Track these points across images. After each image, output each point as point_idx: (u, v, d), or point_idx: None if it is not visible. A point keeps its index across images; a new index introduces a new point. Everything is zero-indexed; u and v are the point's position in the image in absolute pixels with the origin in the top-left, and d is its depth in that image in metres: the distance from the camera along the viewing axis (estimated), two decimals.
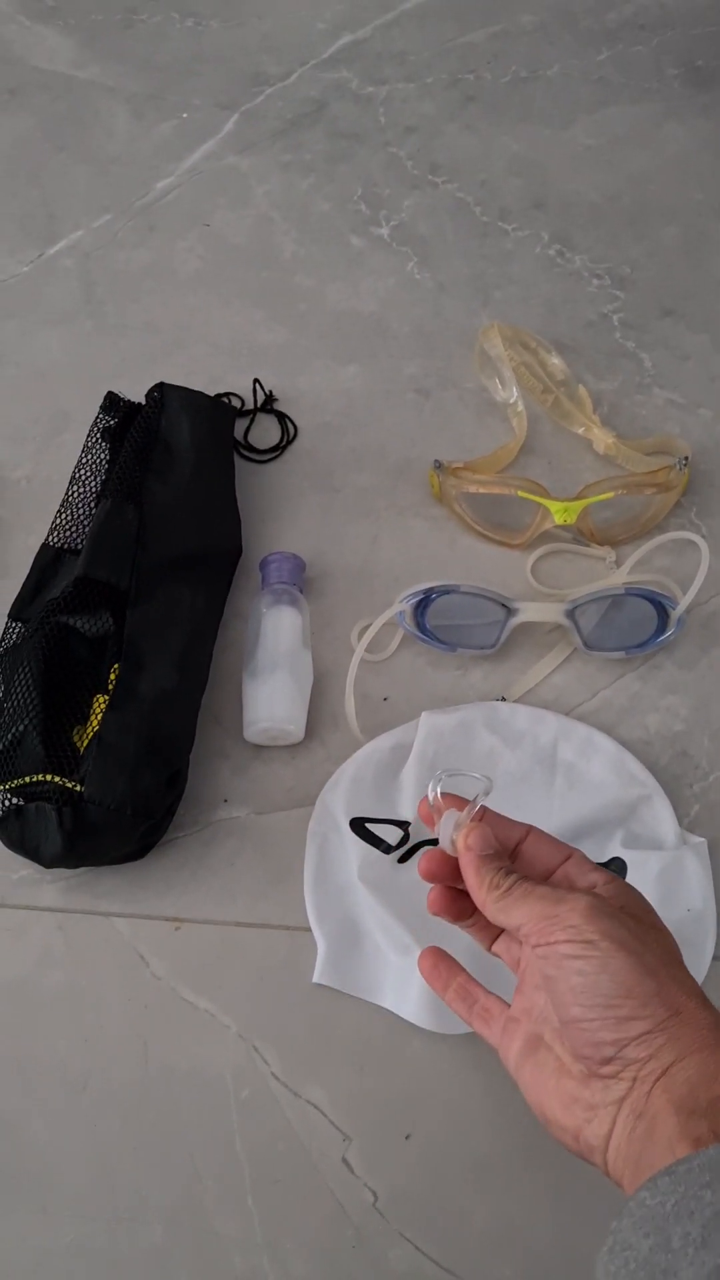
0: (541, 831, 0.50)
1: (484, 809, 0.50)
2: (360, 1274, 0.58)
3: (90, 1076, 0.63)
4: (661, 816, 0.66)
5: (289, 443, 0.83)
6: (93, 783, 0.63)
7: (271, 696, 0.69)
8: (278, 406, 0.84)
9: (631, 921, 0.44)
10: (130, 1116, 0.62)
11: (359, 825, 0.66)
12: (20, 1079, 0.63)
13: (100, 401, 0.80)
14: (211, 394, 0.83)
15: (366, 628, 0.72)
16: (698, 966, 0.62)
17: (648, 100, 1.00)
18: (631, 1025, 0.42)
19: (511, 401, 0.82)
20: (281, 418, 0.83)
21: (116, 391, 0.80)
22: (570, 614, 0.71)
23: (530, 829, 0.50)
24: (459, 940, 0.61)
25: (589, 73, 1.02)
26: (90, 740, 0.65)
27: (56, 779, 0.63)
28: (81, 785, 0.63)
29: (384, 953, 0.64)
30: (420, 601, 0.72)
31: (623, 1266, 0.36)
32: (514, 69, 1.02)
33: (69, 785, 0.63)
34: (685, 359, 0.85)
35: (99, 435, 0.80)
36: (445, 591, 0.72)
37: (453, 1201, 0.59)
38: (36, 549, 0.76)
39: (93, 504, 0.76)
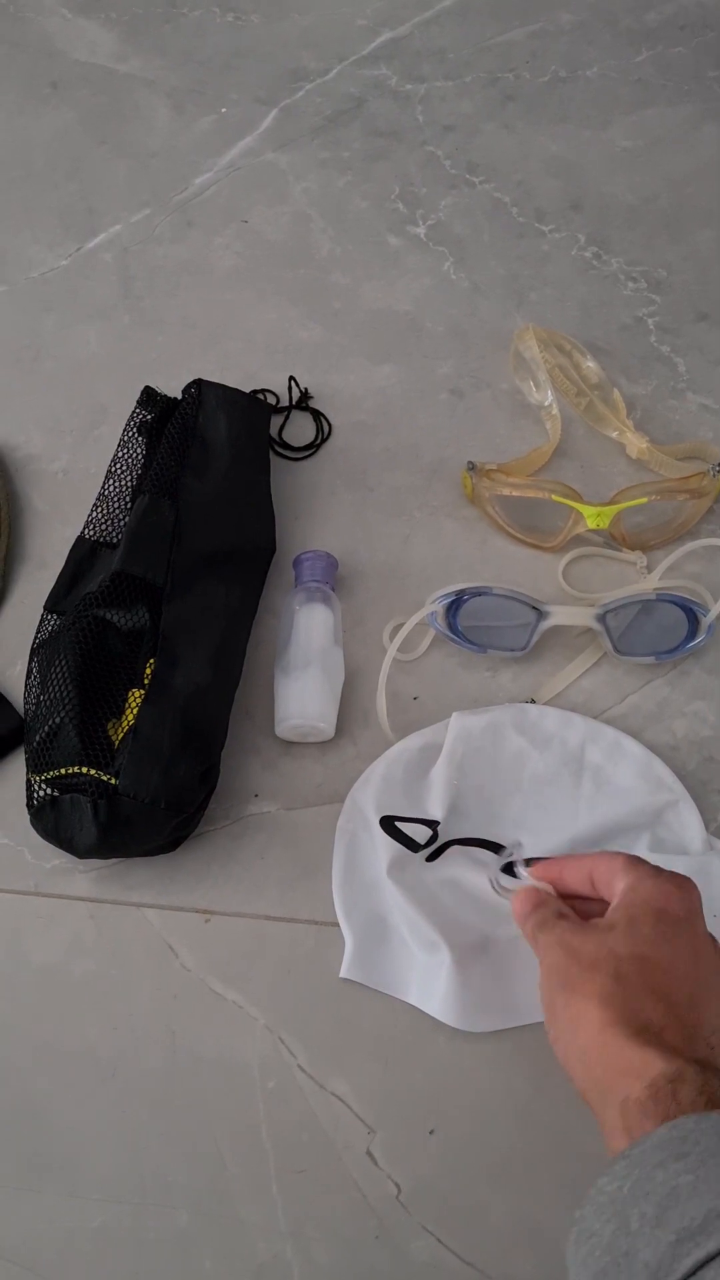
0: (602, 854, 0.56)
1: (536, 864, 0.58)
2: (382, 1265, 0.59)
3: (119, 1063, 0.64)
4: (688, 822, 0.67)
5: (324, 441, 0.83)
6: (127, 776, 0.64)
7: (303, 694, 0.70)
8: (313, 404, 0.85)
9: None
10: (158, 1104, 0.63)
11: (389, 824, 0.67)
12: (50, 1065, 0.64)
13: (137, 396, 0.81)
14: (247, 390, 0.84)
15: (399, 627, 0.73)
16: None
17: (687, 101, 1.00)
18: None
19: (546, 404, 0.82)
20: (316, 415, 0.84)
21: (153, 386, 0.81)
22: (601, 618, 0.72)
23: (596, 859, 0.55)
24: (481, 932, 0.62)
25: (628, 73, 1.01)
26: (125, 734, 0.66)
27: (91, 771, 0.64)
28: (116, 778, 0.64)
29: (411, 949, 0.64)
30: (452, 602, 0.73)
31: (589, 1254, 0.38)
32: (553, 68, 1.02)
33: (104, 778, 0.64)
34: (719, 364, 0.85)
35: (135, 430, 0.81)
36: (477, 593, 0.72)
37: (475, 1196, 0.60)
38: (73, 541, 0.77)
39: (128, 498, 0.77)
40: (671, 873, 0.53)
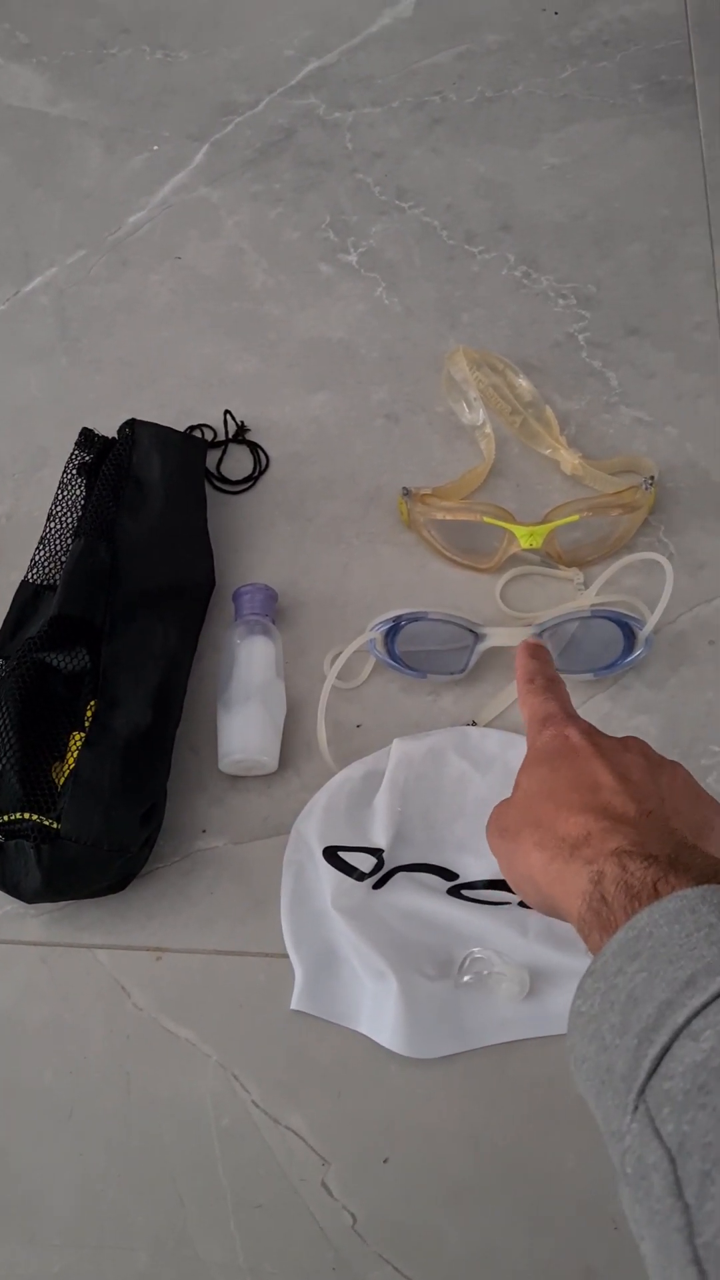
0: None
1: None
2: None
3: (75, 1107, 0.64)
4: None
5: (261, 473, 0.84)
6: (69, 820, 0.64)
7: (245, 728, 0.70)
8: (249, 437, 0.85)
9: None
10: (114, 1145, 0.63)
11: (332, 854, 0.67)
12: (6, 1110, 0.64)
13: (76, 437, 0.82)
14: (184, 426, 0.85)
15: (338, 656, 0.73)
16: None
17: (613, 116, 1.00)
18: None
19: (479, 424, 0.83)
20: (253, 448, 0.85)
21: (90, 427, 0.82)
22: (538, 637, 0.72)
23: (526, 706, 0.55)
24: (432, 957, 0.63)
25: (554, 90, 1.02)
26: (67, 777, 0.66)
27: (34, 817, 0.65)
28: (58, 822, 0.64)
29: (360, 978, 0.65)
30: (390, 629, 0.73)
31: (586, 1078, 0.38)
32: (479, 89, 1.03)
33: (46, 823, 0.64)
34: (651, 377, 0.86)
35: (75, 471, 0.81)
36: (414, 618, 0.73)
37: (430, 1223, 0.60)
38: (17, 586, 0.77)
39: (69, 540, 0.78)
40: (554, 730, 0.52)
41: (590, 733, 0.51)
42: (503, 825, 0.51)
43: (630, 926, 0.39)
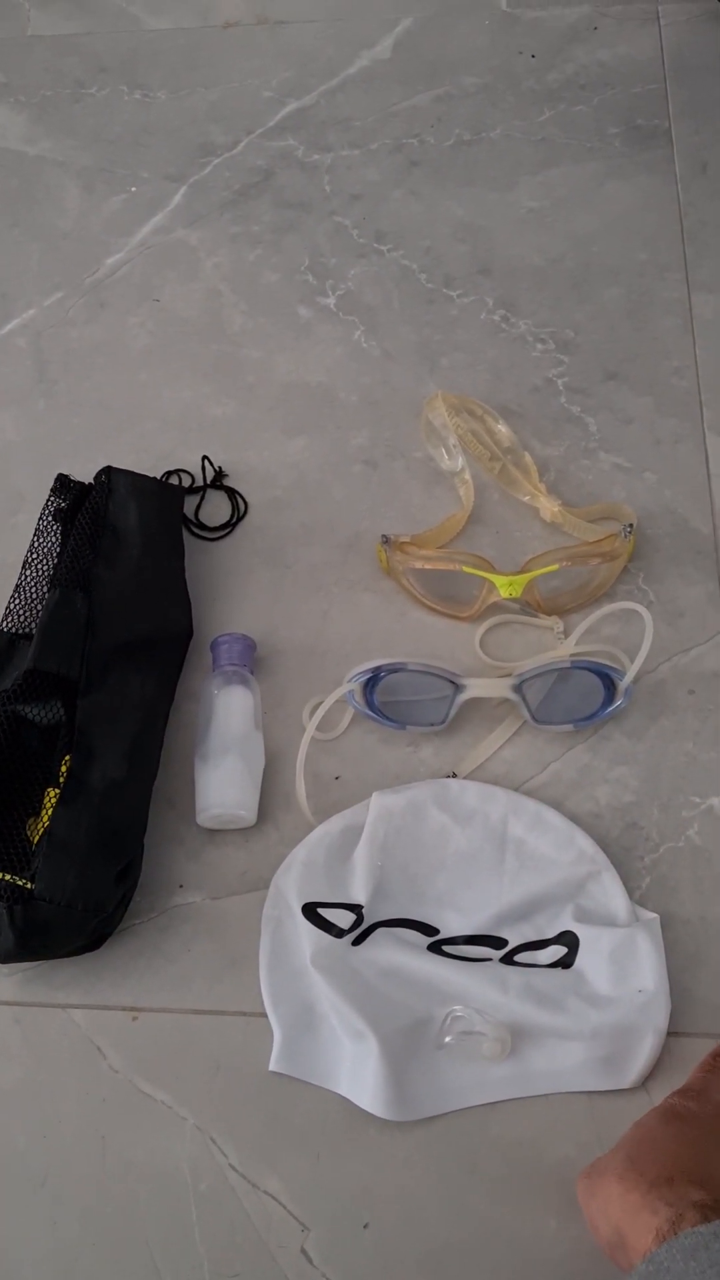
0: None
1: None
2: None
3: (49, 1172, 0.63)
4: (612, 892, 0.67)
5: (239, 519, 0.83)
6: (43, 880, 0.63)
7: (223, 782, 0.70)
8: (228, 482, 0.85)
9: None
10: (89, 1212, 0.62)
11: (311, 911, 0.67)
12: None
13: (52, 483, 0.81)
14: (162, 471, 0.85)
15: (317, 706, 0.73)
16: (640, 1047, 0.62)
17: (590, 159, 1.01)
18: None
19: (459, 470, 0.82)
20: (231, 494, 0.84)
21: (67, 473, 0.81)
22: (517, 688, 0.72)
23: None
24: (412, 1016, 0.63)
25: (531, 133, 1.03)
26: (41, 835, 0.65)
27: (7, 876, 0.64)
28: (32, 882, 0.63)
29: (339, 1039, 0.64)
30: (369, 680, 0.73)
31: None
32: (457, 132, 1.03)
33: (19, 882, 0.63)
34: (629, 422, 0.86)
35: (50, 517, 0.81)
36: (393, 669, 0.72)
37: None
38: None
39: (45, 587, 0.77)
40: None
41: None
42: (594, 1164, 0.56)
43: (650, 1260, 0.44)
